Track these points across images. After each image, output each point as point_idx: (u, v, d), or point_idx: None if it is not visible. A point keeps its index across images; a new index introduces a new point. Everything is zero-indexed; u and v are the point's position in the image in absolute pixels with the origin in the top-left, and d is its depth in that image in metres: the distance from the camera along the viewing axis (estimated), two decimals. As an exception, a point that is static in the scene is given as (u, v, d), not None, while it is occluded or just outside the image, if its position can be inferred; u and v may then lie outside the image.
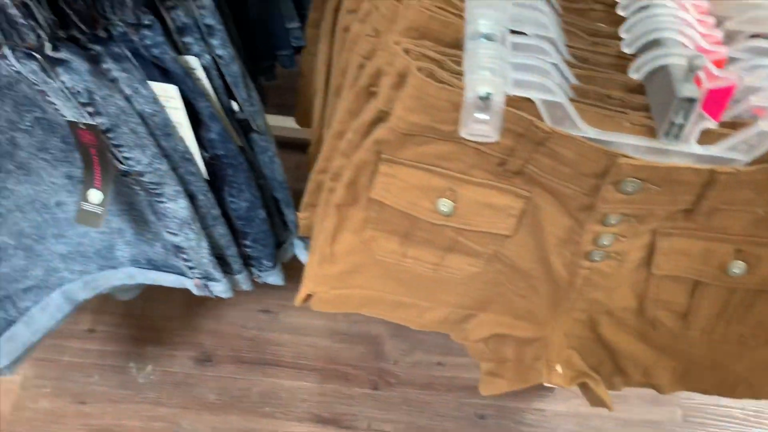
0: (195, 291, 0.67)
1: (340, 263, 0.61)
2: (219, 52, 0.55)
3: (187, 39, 0.53)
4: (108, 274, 0.68)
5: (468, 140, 0.48)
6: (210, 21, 0.54)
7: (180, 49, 0.54)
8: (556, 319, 0.60)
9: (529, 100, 0.46)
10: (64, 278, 0.67)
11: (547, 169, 0.48)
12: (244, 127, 0.60)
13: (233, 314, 1.04)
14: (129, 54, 0.51)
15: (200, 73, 0.54)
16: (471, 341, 0.68)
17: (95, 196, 0.55)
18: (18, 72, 0.48)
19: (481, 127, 0.46)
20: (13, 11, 0.44)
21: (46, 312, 0.67)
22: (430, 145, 0.50)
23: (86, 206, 0.55)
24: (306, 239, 0.72)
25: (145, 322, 1.02)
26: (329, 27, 0.72)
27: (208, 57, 0.55)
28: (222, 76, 0.56)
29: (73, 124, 0.51)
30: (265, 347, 1.01)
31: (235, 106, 0.59)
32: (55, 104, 0.50)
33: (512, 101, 0.45)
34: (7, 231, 0.62)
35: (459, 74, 0.46)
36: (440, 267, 0.60)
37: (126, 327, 1.02)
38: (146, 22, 0.50)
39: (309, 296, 0.65)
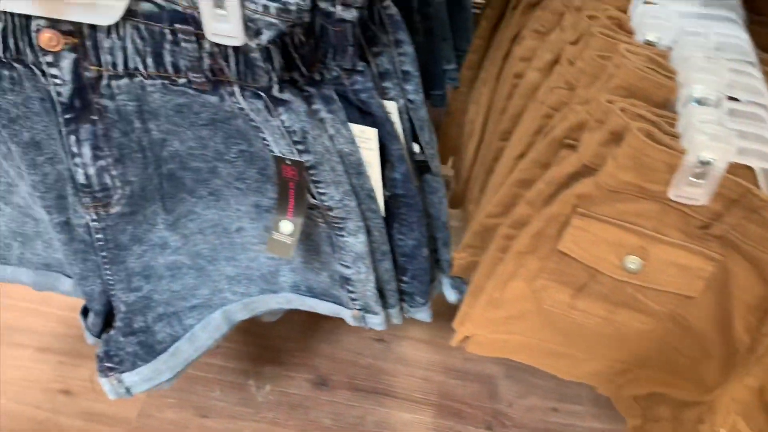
0: (350, 321, 0.69)
1: (506, 309, 0.62)
2: (411, 97, 0.57)
3: (387, 84, 0.55)
4: (267, 298, 0.70)
5: (673, 201, 0.48)
6: (408, 68, 0.56)
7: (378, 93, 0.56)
8: (726, 383, 0.58)
9: (745, 166, 0.46)
10: (227, 299, 0.70)
11: (754, 237, 0.48)
12: (420, 168, 0.62)
13: (349, 340, 1.06)
14: (336, 96, 0.53)
15: (395, 117, 0.56)
16: (622, 396, 0.68)
17: (287, 227, 0.57)
18: (241, 109, 0.51)
19: (693, 191, 0.46)
20: (255, 55, 0.47)
21: (207, 330, 0.70)
22: (631, 203, 0.50)
23: (277, 236, 0.58)
24: (454, 278, 0.73)
25: (264, 341, 1.05)
26: (495, 72, 0.73)
27: (402, 101, 0.57)
28: (410, 119, 0.58)
29: (279, 159, 0.54)
30: (379, 376, 1.02)
31: (416, 147, 0.60)
32: (266, 140, 0.53)
33: (729, 167, 0.45)
34: (186, 251, 0.65)
35: (675, 136, 0.46)
36: (608, 321, 0.59)
37: (247, 344, 1.05)
38: (359, 68, 0.52)
39: (465, 338, 0.66)
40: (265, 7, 0.44)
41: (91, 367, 1.02)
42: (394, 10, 0.53)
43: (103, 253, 0.62)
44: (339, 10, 0.47)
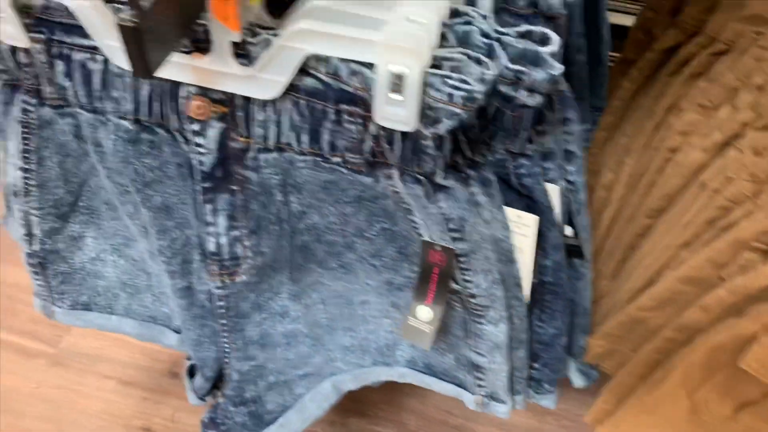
0: (471, 406, 0.64)
1: (657, 415, 0.56)
2: (572, 178, 0.52)
3: (548, 164, 0.50)
4: (379, 370, 0.66)
5: None
6: (572, 147, 0.51)
7: (535, 173, 0.51)
8: None
9: None
10: (338, 368, 0.65)
11: None
12: (570, 253, 0.56)
13: (438, 398, 1.01)
14: (494, 179, 0.49)
15: (555, 201, 0.51)
16: None
17: (425, 313, 0.53)
18: (396, 192, 0.47)
19: None
20: (427, 142, 0.42)
21: (315, 400, 0.66)
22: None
23: (413, 322, 0.53)
24: (584, 364, 0.67)
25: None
26: (642, 141, 0.67)
27: (562, 183, 0.51)
28: (568, 202, 0.53)
29: (427, 244, 0.49)
30: (471, 439, 0.97)
31: (567, 231, 0.55)
32: (416, 223, 0.48)
33: None
34: (305, 320, 0.61)
35: None
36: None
37: (333, 394, 1.00)
38: (528, 152, 0.47)
39: (603, 437, 0.60)
40: (450, 95, 0.39)
41: (174, 405, 0.99)
42: (565, 85, 0.48)
43: (223, 321, 0.58)
44: (522, 96, 0.42)
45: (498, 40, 0.41)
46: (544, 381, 0.64)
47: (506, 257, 0.51)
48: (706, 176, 0.56)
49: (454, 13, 0.43)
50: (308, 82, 0.43)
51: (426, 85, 0.39)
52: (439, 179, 0.45)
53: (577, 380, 0.68)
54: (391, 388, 1.01)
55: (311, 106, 0.44)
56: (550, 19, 0.45)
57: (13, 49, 0.48)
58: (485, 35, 0.42)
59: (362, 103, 0.42)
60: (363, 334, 0.63)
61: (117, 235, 0.61)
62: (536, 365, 0.62)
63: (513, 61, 0.41)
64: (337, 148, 0.45)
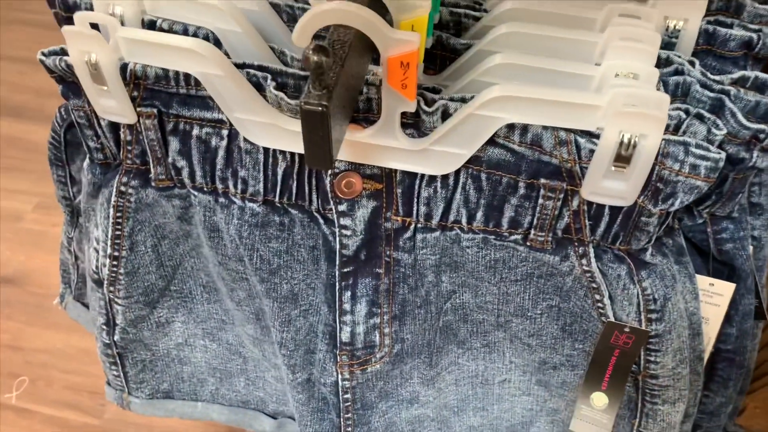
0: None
1: None
2: (757, 233, 0.45)
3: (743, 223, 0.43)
4: (508, 448, 0.59)
5: None
6: (761, 200, 0.44)
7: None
8: None
9: None
10: (462, 449, 0.58)
11: None
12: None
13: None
14: (684, 244, 0.42)
15: (749, 267, 0.44)
16: None
17: (600, 400, 0.46)
18: (587, 272, 0.39)
19: None
20: (650, 219, 0.35)
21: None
22: None
23: (586, 411, 0.46)
24: (735, 425, 0.60)
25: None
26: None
27: (749, 241, 0.45)
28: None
29: (614, 326, 0.42)
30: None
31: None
32: (601, 303, 0.41)
33: None
34: (435, 404, 0.53)
35: None
36: None
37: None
38: (735, 215, 0.40)
39: None
40: (694, 167, 0.32)
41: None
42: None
43: (347, 415, 0.51)
44: (755, 157, 0.35)
45: (726, 92, 0.34)
46: (697, 450, 0.57)
47: (695, 331, 0.44)
48: None
49: (659, 62, 0.36)
50: (494, 152, 0.36)
51: (662, 154, 0.32)
52: (647, 257, 0.38)
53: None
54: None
55: (494, 180, 0.37)
56: (759, 61, 0.39)
57: (115, 125, 0.41)
58: (705, 87, 0.35)
59: (567, 176, 0.35)
60: (496, 413, 0.55)
61: (211, 318, 0.54)
62: (694, 435, 0.55)
63: (745, 116, 0.34)
64: (520, 225, 0.38)
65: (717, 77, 0.36)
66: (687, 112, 0.35)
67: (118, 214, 0.45)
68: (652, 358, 0.44)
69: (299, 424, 0.53)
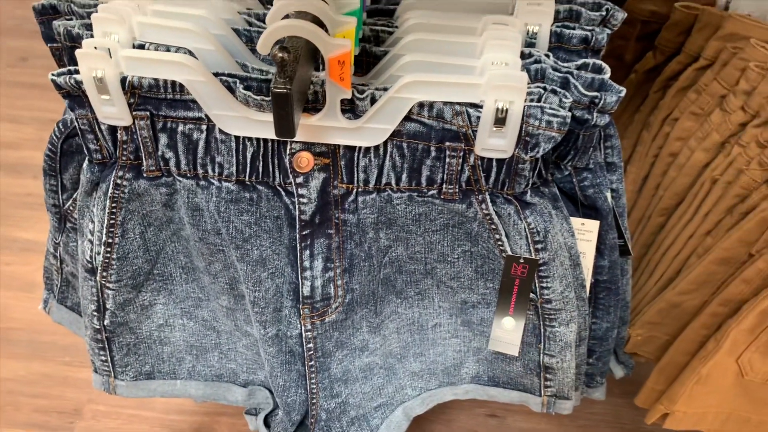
0: (536, 408, 0.69)
1: (709, 385, 0.63)
2: (615, 186, 0.60)
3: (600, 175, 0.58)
4: (445, 390, 0.70)
5: None
6: (615, 159, 0.59)
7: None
8: None
9: None
10: (407, 395, 0.69)
11: None
12: (620, 252, 0.64)
13: (462, 419, 1.05)
14: (558, 192, 0.55)
15: (607, 207, 0.58)
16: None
17: (509, 323, 0.58)
18: (486, 214, 0.52)
19: None
20: (523, 165, 0.49)
21: (390, 428, 0.69)
22: None
23: (499, 333, 0.58)
24: (621, 354, 0.74)
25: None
26: (643, 151, 0.76)
27: (608, 191, 0.59)
28: (613, 207, 0.60)
29: (511, 258, 0.55)
30: (499, 454, 1.01)
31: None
32: (500, 241, 0.54)
33: None
34: (381, 352, 0.65)
35: None
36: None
37: None
38: (590, 166, 0.54)
39: (663, 415, 0.67)
40: (549, 122, 0.46)
41: (206, 473, 0.99)
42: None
43: (311, 363, 0.62)
44: (595, 117, 0.49)
45: (570, 73, 0.49)
46: (596, 374, 0.70)
47: (574, 262, 0.58)
48: (715, 172, 0.65)
49: (523, 55, 0.50)
50: (410, 126, 0.49)
51: (526, 115, 0.46)
52: (528, 198, 0.51)
53: (618, 371, 0.75)
54: (416, 417, 1.05)
55: (413, 147, 0.49)
56: (596, 52, 0.53)
57: (113, 129, 0.51)
58: (556, 70, 0.49)
59: (464, 139, 0.48)
60: (432, 357, 0.67)
61: (188, 297, 0.64)
62: (591, 360, 0.68)
63: (585, 88, 0.49)
64: (435, 181, 0.51)
65: (566, 64, 0.50)
66: (544, 89, 0.48)
67: (113, 204, 0.55)
68: (544, 284, 0.57)
69: (270, 376, 0.63)
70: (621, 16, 0.54)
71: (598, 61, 0.51)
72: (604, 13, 0.54)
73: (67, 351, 1.11)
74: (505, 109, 0.45)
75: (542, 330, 0.61)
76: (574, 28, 0.53)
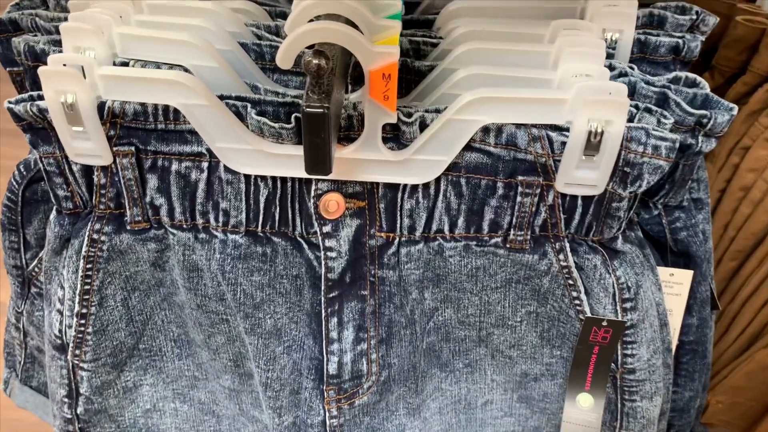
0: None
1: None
2: (702, 227, 0.49)
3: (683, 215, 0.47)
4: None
5: None
6: (701, 195, 0.48)
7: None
8: None
9: None
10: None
11: None
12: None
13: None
14: (642, 236, 0.45)
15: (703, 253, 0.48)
16: None
17: (586, 400, 0.47)
18: (564, 266, 0.42)
19: None
20: (620, 204, 0.38)
21: None
22: None
23: (574, 413, 0.47)
24: (699, 425, 0.63)
25: None
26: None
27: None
28: (698, 253, 0.50)
29: (592, 321, 0.44)
30: None
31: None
32: (578, 300, 0.43)
33: None
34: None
35: None
36: None
37: None
38: (684, 204, 0.44)
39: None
40: (656, 147, 0.36)
41: None
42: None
43: (337, 456, 0.49)
44: (701, 142, 0.39)
45: (668, 87, 0.39)
46: (671, 450, 0.59)
47: (662, 321, 0.47)
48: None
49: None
50: (471, 157, 0.38)
51: (626, 139, 0.36)
52: (618, 245, 0.41)
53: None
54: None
55: (473, 183, 0.39)
56: (686, 64, 0.44)
57: (87, 170, 0.40)
58: (649, 84, 0.39)
59: (542, 172, 0.38)
60: (479, 438, 0.55)
61: (182, 377, 0.52)
62: (667, 435, 0.57)
63: (688, 103, 0.38)
64: (500, 226, 0.40)
65: (654, 78, 0.41)
66: (636, 107, 0.38)
67: (89, 266, 0.43)
68: (629, 351, 0.46)
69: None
70: (713, 21, 0.44)
71: (692, 75, 0.41)
72: (694, 17, 0.44)
73: (36, 428, 0.96)
74: (600, 131, 0.35)
75: (619, 406, 0.50)
76: (659, 35, 0.43)
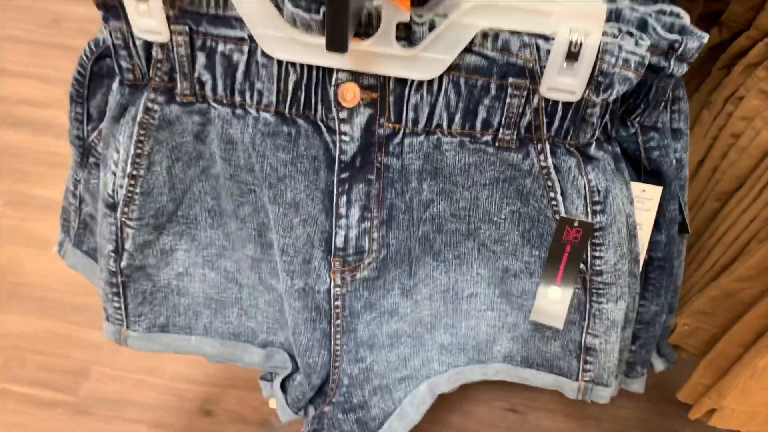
0: (571, 394, 0.64)
1: (765, 380, 0.58)
2: (679, 155, 0.55)
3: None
4: (474, 368, 0.66)
5: None
6: (681, 125, 0.54)
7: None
8: None
9: None
10: (434, 370, 0.65)
11: None
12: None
13: (481, 411, 1.01)
14: (620, 153, 0.51)
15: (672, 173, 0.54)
16: None
17: (555, 293, 0.54)
18: (543, 167, 0.48)
19: None
20: (593, 110, 0.44)
21: (413, 404, 0.65)
22: None
23: (543, 304, 0.54)
24: (664, 345, 0.69)
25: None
26: (702, 132, 0.72)
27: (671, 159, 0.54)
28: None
29: (565, 221, 0.50)
30: (518, 450, 0.97)
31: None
32: (555, 200, 0.50)
33: None
34: (411, 319, 0.60)
35: None
36: None
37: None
38: (658, 125, 0.50)
39: (710, 411, 0.62)
40: (626, 60, 0.42)
41: (211, 445, 0.95)
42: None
43: (338, 321, 0.57)
44: (673, 65, 0.45)
45: (648, 14, 0.44)
46: (637, 363, 0.66)
47: (631, 232, 0.53)
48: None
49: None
50: (471, 59, 0.44)
51: (602, 51, 0.42)
52: (592, 151, 0.47)
53: (659, 364, 0.70)
54: (434, 405, 1.01)
55: (471, 83, 0.45)
56: (674, 1, 0.49)
57: (147, 45, 0.48)
58: (633, 10, 0.45)
59: (529, 75, 0.44)
60: (463, 330, 0.63)
61: (212, 245, 0.60)
62: (633, 347, 0.64)
63: (665, 31, 0.44)
64: (491, 125, 0.47)
65: (641, 7, 0.46)
66: (620, 30, 0.44)
67: (142, 131, 0.51)
68: (597, 253, 0.52)
69: (293, 333, 0.59)
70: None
71: (677, 8, 0.46)
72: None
73: (78, 311, 1.07)
74: (579, 41, 0.41)
75: (588, 306, 0.56)
76: (651, -27, 0.49)
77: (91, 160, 0.61)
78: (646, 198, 0.53)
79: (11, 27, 1.71)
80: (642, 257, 0.56)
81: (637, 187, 0.52)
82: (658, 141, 0.50)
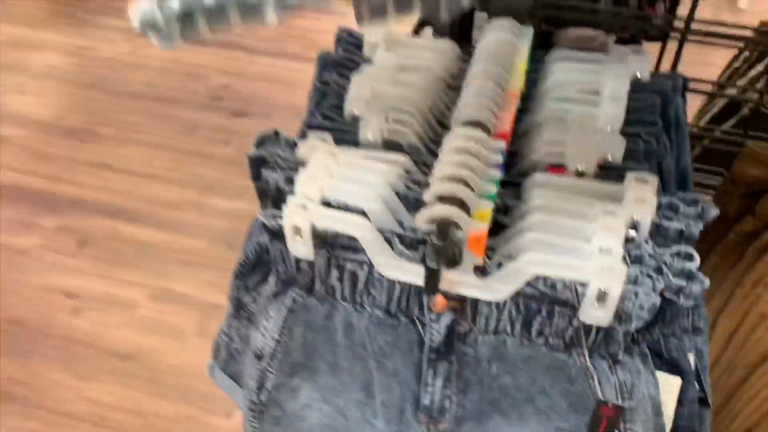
0: None
1: None
2: (699, 347, 0.69)
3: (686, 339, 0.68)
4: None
5: None
6: (700, 325, 0.68)
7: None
8: None
9: None
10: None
11: None
12: (700, 403, 0.72)
13: None
14: (648, 352, 0.66)
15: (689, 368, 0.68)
16: None
17: (594, 455, 0.69)
18: (584, 364, 0.64)
19: None
20: (618, 335, 0.60)
21: None
22: None
23: (584, 465, 0.69)
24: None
25: None
26: (734, 306, 0.85)
27: (692, 351, 0.69)
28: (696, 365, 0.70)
29: (601, 402, 0.66)
30: None
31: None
32: (594, 387, 0.65)
33: None
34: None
35: None
36: None
37: None
38: (676, 334, 0.65)
39: None
40: (641, 306, 0.57)
41: None
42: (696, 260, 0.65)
43: (423, 465, 0.74)
44: (682, 300, 0.60)
45: (664, 262, 0.60)
46: None
47: (656, 410, 0.68)
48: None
49: (626, 240, 0.62)
50: (528, 290, 0.61)
51: (621, 299, 0.58)
52: (620, 356, 0.62)
53: None
54: None
55: (527, 306, 0.62)
56: (689, 240, 0.64)
57: (298, 260, 0.68)
58: (652, 257, 0.61)
59: (570, 306, 0.60)
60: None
61: (329, 388, 0.78)
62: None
63: (675, 276, 0.60)
64: (543, 334, 0.63)
65: (661, 250, 0.62)
66: (641, 272, 0.60)
67: (288, 313, 0.71)
68: (629, 427, 0.67)
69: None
70: (714, 213, 0.64)
71: (690, 250, 0.62)
72: (699, 211, 0.65)
73: (204, 397, 1.28)
74: (605, 292, 0.57)
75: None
76: (671, 219, 0.64)
77: (243, 313, 0.82)
78: (668, 385, 0.67)
79: (153, 134, 2.03)
80: (669, 428, 0.70)
81: (661, 376, 0.67)
82: (676, 345, 0.65)
